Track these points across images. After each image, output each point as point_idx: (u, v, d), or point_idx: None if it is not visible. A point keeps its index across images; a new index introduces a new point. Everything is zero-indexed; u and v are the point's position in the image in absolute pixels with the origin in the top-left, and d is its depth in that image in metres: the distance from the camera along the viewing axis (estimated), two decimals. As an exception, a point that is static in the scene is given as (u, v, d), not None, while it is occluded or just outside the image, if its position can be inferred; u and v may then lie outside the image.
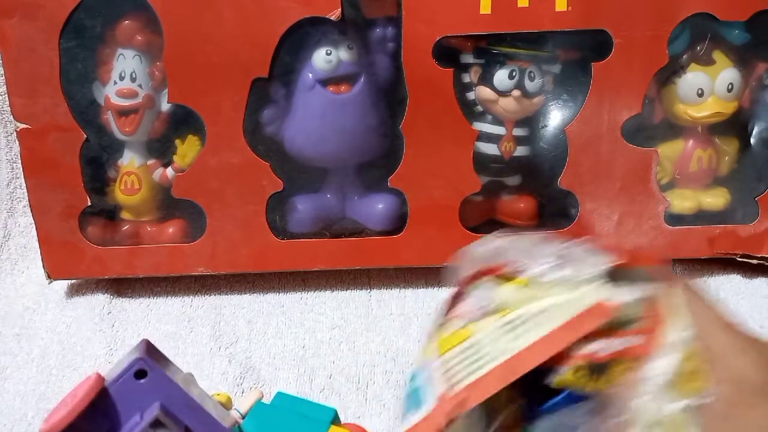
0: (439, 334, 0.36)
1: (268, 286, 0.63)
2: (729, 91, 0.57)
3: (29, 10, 0.53)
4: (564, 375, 0.32)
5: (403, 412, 0.36)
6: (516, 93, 0.57)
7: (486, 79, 0.57)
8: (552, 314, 0.33)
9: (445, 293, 0.57)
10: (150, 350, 0.37)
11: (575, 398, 0.33)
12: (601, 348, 0.32)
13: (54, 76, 0.55)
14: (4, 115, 0.70)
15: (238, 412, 0.44)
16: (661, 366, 0.30)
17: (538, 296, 0.34)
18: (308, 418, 0.39)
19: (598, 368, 0.32)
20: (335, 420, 0.40)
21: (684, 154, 0.60)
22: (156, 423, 0.34)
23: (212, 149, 0.57)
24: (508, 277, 0.36)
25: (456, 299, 0.37)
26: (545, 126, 0.59)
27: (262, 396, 0.45)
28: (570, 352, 0.32)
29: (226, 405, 0.45)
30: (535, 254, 0.36)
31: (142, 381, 0.35)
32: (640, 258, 0.34)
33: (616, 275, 0.34)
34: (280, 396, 0.42)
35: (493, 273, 0.36)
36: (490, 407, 0.35)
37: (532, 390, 0.34)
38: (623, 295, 0.33)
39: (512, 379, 0.31)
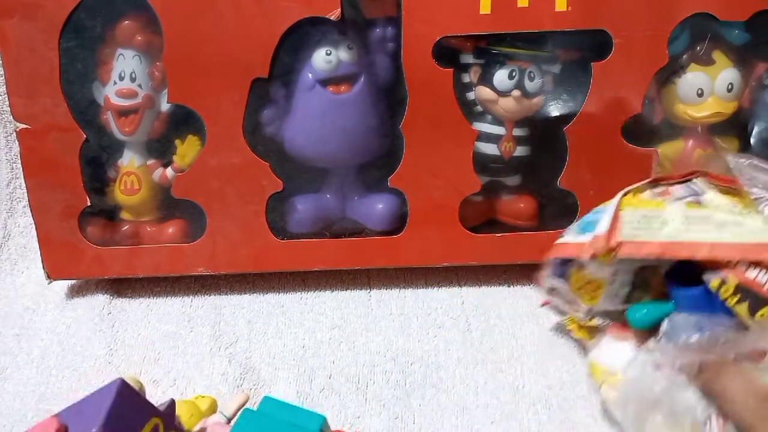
0: (637, 191, 0.40)
1: (268, 286, 0.63)
2: (729, 91, 0.57)
3: (29, 10, 0.53)
4: (717, 281, 0.37)
5: (573, 230, 0.43)
6: (516, 93, 0.57)
7: (486, 79, 0.57)
8: (739, 229, 0.36)
9: (443, 293, 0.57)
10: (116, 408, 0.34)
11: (715, 306, 0.37)
12: (765, 281, 0.37)
13: (54, 76, 0.55)
14: (3, 116, 0.70)
15: (224, 415, 0.43)
16: None
17: (739, 212, 0.38)
18: (296, 426, 0.39)
19: (749, 295, 0.37)
20: (324, 427, 0.40)
21: (684, 154, 0.60)
22: None
23: (212, 149, 0.57)
24: (726, 189, 0.39)
25: (672, 182, 0.41)
26: (545, 126, 0.59)
27: (248, 399, 0.44)
28: (735, 268, 0.37)
29: (211, 408, 0.45)
30: (759, 181, 0.39)
31: None
32: None
33: None
34: (267, 401, 0.41)
35: (716, 179, 0.40)
36: (640, 278, 0.41)
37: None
38: None
39: (666, 256, 0.36)
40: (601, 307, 0.44)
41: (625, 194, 0.40)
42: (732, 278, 0.37)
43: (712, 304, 0.38)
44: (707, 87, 0.57)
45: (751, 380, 0.34)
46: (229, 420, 0.43)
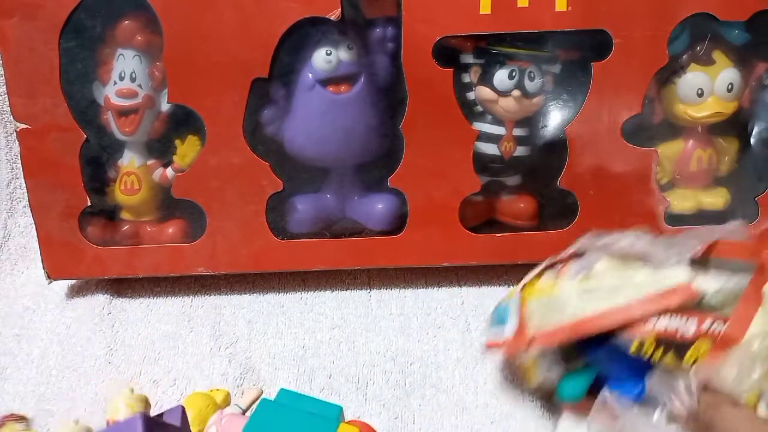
0: (532, 282, 0.41)
1: (268, 286, 0.63)
2: (729, 91, 0.57)
3: (29, 10, 0.53)
4: (636, 344, 0.37)
5: (490, 323, 0.43)
6: (516, 93, 0.57)
7: (486, 79, 0.57)
8: (631, 288, 0.37)
9: (443, 293, 0.58)
10: None
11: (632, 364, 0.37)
12: (677, 327, 0.36)
13: (54, 76, 0.55)
14: (4, 116, 0.70)
15: (239, 407, 0.44)
16: (748, 349, 0.32)
17: (625, 270, 0.38)
18: (316, 415, 0.39)
19: (670, 344, 0.36)
20: (341, 417, 0.40)
21: (684, 154, 0.60)
22: None
23: (212, 149, 0.57)
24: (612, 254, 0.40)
25: (560, 263, 0.42)
26: (545, 126, 0.59)
27: (262, 393, 0.45)
28: (645, 325, 0.37)
29: (226, 401, 0.45)
30: (639, 243, 0.40)
31: None
32: (730, 250, 0.37)
33: (705, 263, 0.38)
34: (283, 393, 0.42)
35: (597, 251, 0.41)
36: (562, 352, 0.41)
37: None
38: (707, 282, 0.37)
39: (576, 337, 0.36)
40: (542, 387, 0.44)
41: (524, 287, 0.40)
42: (647, 336, 0.37)
43: (626, 355, 0.38)
44: (707, 87, 0.57)
45: (752, 416, 0.33)
46: (244, 412, 0.44)
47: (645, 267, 0.38)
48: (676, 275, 0.37)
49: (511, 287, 0.43)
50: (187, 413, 0.41)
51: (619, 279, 0.38)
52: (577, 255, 0.42)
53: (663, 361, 0.36)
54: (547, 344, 0.37)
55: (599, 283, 0.38)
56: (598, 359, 0.40)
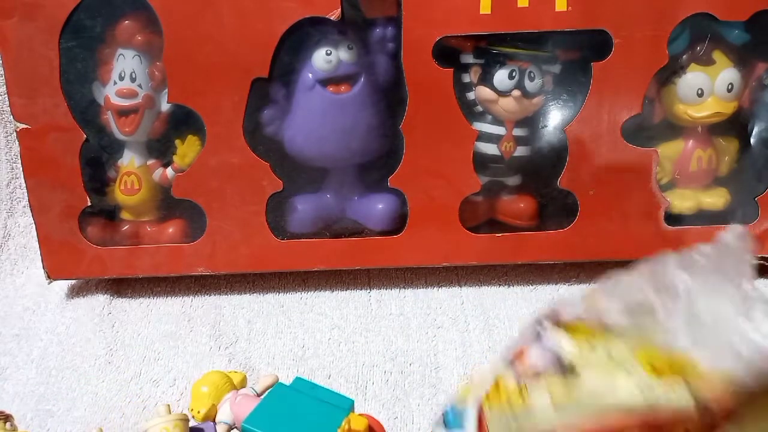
0: (495, 380, 0.35)
1: (267, 286, 0.63)
2: (729, 91, 0.57)
3: (29, 10, 0.53)
4: None
5: (439, 422, 0.37)
6: (516, 93, 0.57)
7: (486, 79, 0.57)
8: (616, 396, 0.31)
9: (443, 293, 0.57)
10: None
11: None
12: None
13: (54, 76, 0.55)
14: (3, 115, 0.70)
15: (254, 390, 0.45)
16: None
17: (594, 365, 0.32)
18: (327, 403, 0.40)
19: None
20: (351, 410, 0.41)
21: (684, 154, 0.60)
22: None
23: (212, 149, 0.57)
24: (569, 326, 0.34)
25: (518, 357, 0.36)
26: (545, 126, 0.59)
27: (278, 380, 0.46)
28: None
29: (242, 383, 0.48)
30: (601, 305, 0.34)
31: None
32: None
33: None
34: (298, 381, 0.42)
35: (558, 321, 0.35)
36: None
37: None
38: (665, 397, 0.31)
39: None
40: None
41: (485, 395, 0.35)
42: None
43: None
44: (707, 87, 0.57)
45: None
46: (258, 395, 0.45)
47: (619, 340, 0.32)
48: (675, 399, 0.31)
49: (464, 385, 0.38)
50: (204, 388, 0.45)
51: (599, 378, 0.32)
52: (533, 338, 0.36)
53: None
54: None
55: (579, 391, 0.32)
56: None
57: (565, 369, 0.33)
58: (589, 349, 0.32)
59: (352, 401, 0.41)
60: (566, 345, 0.33)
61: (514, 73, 0.57)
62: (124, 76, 0.57)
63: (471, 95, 0.59)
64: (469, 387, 0.36)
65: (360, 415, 0.41)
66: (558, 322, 0.35)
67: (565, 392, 0.32)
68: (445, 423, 0.37)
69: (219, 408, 0.46)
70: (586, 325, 0.34)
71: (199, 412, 0.45)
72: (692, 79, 0.57)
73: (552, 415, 0.32)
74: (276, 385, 0.43)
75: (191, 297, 0.62)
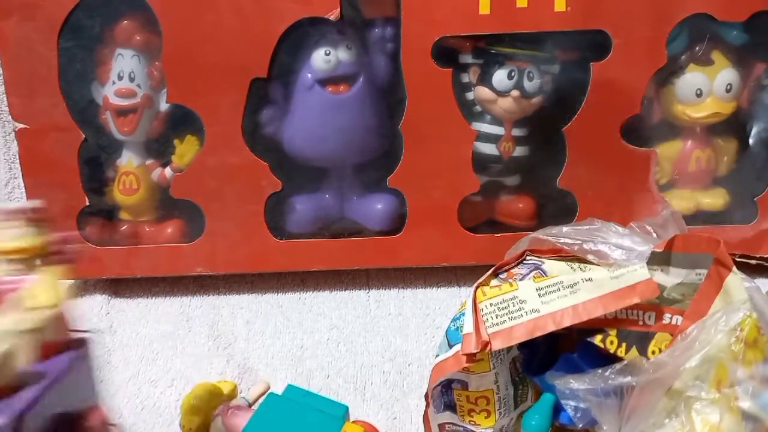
0: (485, 283, 0.40)
1: (266, 287, 0.63)
2: (727, 91, 0.57)
3: (28, 10, 0.53)
4: (599, 336, 0.37)
5: (442, 344, 0.41)
6: (515, 93, 0.57)
7: (485, 80, 0.57)
8: (590, 286, 0.37)
9: (442, 293, 0.57)
10: None
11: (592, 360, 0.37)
12: (635, 320, 0.37)
13: (52, 76, 0.55)
14: (2, 115, 0.70)
15: (245, 400, 0.44)
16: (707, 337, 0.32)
17: (581, 270, 0.38)
18: (321, 412, 0.40)
19: (632, 339, 0.37)
20: (346, 416, 0.41)
21: (682, 155, 0.60)
22: None
23: (211, 149, 0.57)
24: (557, 258, 0.39)
25: (510, 266, 0.41)
26: (544, 126, 0.59)
27: (269, 387, 0.45)
28: (607, 321, 0.37)
29: (232, 393, 0.46)
30: (591, 238, 0.39)
31: None
32: (690, 242, 0.37)
33: (664, 258, 0.37)
34: (290, 388, 0.42)
35: (544, 253, 0.40)
36: (515, 372, 0.41)
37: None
38: (667, 276, 0.37)
39: (537, 334, 0.36)
40: (500, 424, 0.41)
41: (476, 288, 0.39)
42: (610, 331, 0.38)
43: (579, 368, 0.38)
44: (706, 87, 0.57)
45: None
46: (250, 405, 0.44)
47: (599, 267, 0.38)
48: (637, 272, 0.37)
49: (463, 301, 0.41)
50: (193, 402, 0.42)
51: (576, 275, 0.37)
52: (519, 259, 0.41)
53: (626, 357, 0.37)
54: (506, 343, 0.36)
55: (557, 280, 0.37)
56: (542, 381, 0.39)
57: (544, 273, 0.38)
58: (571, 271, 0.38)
59: (347, 407, 0.41)
60: (548, 263, 0.39)
61: (513, 73, 0.57)
62: (123, 75, 0.57)
63: (470, 95, 0.59)
64: (464, 303, 0.40)
65: (355, 422, 0.41)
66: (540, 255, 0.40)
67: (547, 283, 0.37)
68: (449, 341, 0.40)
69: (212, 422, 0.43)
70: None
71: (190, 429, 0.43)
72: (691, 79, 0.57)
73: (535, 300, 0.37)
74: (268, 396, 0.41)
75: (190, 297, 0.62)
